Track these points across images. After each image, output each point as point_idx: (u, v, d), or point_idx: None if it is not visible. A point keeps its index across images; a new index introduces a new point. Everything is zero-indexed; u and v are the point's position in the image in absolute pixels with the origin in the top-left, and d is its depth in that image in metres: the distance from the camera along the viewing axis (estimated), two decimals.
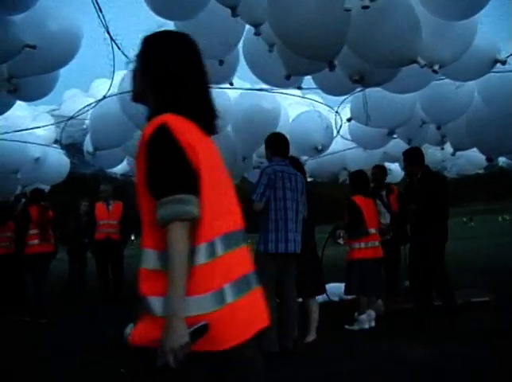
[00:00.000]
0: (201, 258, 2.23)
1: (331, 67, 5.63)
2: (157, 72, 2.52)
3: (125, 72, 8.15)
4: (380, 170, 10.00)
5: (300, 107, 10.21)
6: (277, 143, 6.96)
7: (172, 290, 2.16)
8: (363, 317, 8.05)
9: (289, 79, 6.36)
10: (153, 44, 2.58)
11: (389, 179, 10.83)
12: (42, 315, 9.82)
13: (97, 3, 6.01)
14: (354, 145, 10.81)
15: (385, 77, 6.30)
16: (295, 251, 6.64)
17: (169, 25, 6.37)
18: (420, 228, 7.87)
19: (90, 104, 9.02)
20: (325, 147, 9.46)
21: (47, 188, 12.45)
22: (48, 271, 10.59)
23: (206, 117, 2.56)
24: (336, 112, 9.65)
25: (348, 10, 4.85)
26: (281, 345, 6.53)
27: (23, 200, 11.32)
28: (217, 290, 2.23)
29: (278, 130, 8.83)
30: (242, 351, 2.38)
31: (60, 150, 11.34)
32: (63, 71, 7.21)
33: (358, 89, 7.54)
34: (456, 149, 10.08)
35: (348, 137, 10.36)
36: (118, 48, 6.89)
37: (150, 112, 2.51)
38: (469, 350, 6.38)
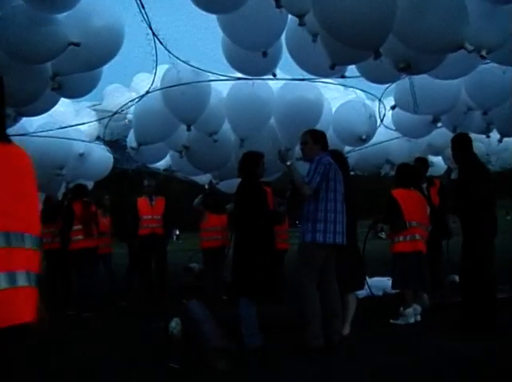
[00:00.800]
0: None
1: (377, 55, 5.56)
2: None
3: (167, 66, 8.22)
4: (421, 163, 9.90)
5: (343, 97, 10.13)
6: (323, 138, 6.94)
7: None
8: (409, 311, 7.95)
9: (334, 68, 6.32)
10: None
11: (431, 172, 10.70)
12: (86, 309, 9.94)
13: None
14: (397, 135, 10.68)
15: (432, 64, 6.23)
16: (342, 243, 6.61)
17: (213, 17, 6.39)
18: (464, 221, 7.72)
19: (133, 99, 9.05)
20: (369, 137, 9.36)
21: (90, 184, 12.55)
22: (95, 266, 10.69)
23: None
24: (380, 100, 9.53)
25: None
26: (326, 339, 6.51)
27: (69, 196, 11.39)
28: None
29: (321, 120, 8.80)
30: None
31: (103, 146, 11.39)
32: (105, 66, 7.24)
33: (403, 76, 7.44)
34: (503, 135, 9.91)
35: (392, 126, 10.24)
36: (161, 43, 6.89)
37: None
38: None
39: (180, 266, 13.63)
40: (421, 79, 7.47)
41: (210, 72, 8.17)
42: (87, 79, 7.15)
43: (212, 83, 8.52)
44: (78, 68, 6.53)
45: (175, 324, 7.48)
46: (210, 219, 10.77)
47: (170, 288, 11.60)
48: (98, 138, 11.34)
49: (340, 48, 5.84)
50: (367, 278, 8.85)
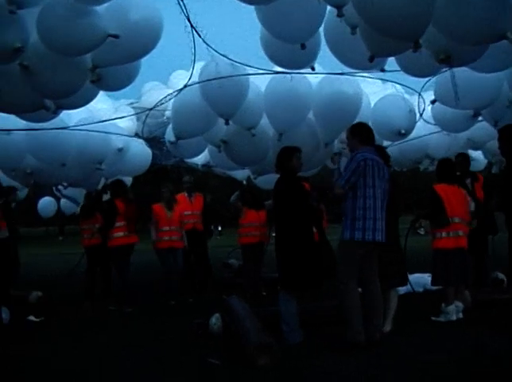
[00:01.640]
0: None
1: (417, 46, 5.48)
2: None
3: (204, 62, 8.23)
4: (463, 158, 9.79)
5: (382, 91, 10.04)
6: (365, 132, 6.89)
7: None
8: (450, 308, 7.84)
9: (373, 61, 6.25)
10: None
11: (472, 167, 10.55)
12: (128, 304, 10.00)
13: None
14: (436, 129, 10.56)
15: (473, 55, 6.12)
16: (381, 241, 6.54)
17: (251, 9, 6.37)
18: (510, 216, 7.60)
19: (171, 93, 9.06)
20: (408, 131, 9.26)
21: (129, 179, 12.62)
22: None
23: None
24: (419, 94, 9.41)
25: None
26: (366, 336, 6.46)
27: (108, 191, 11.45)
28: None
29: (360, 114, 8.72)
30: None
31: (142, 141, 11.44)
32: (142, 63, 7.29)
33: (443, 70, 7.34)
34: None
35: (431, 121, 10.12)
36: (199, 36, 6.88)
37: None
38: None
39: (219, 262, 13.68)
40: (462, 73, 7.34)
41: (248, 66, 8.15)
42: (126, 73, 7.17)
43: (250, 77, 8.49)
44: (117, 60, 6.55)
45: (215, 320, 7.52)
46: (248, 215, 10.78)
47: (210, 284, 11.66)
48: (136, 135, 11.40)
49: (379, 40, 5.80)
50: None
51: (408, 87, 9.61)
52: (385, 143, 9.80)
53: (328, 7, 6.24)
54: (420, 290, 9.76)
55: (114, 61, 6.56)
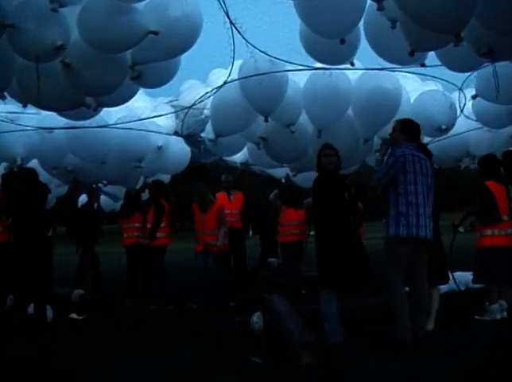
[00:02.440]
0: None
1: (458, 40, 5.42)
2: None
3: (243, 60, 8.22)
4: (510, 156, 9.63)
5: (421, 87, 9.94)
6: (415, 130, 6.83)
7: None
8: (495, 306, 7.72)
9: (413, 55, 6.21)
10: None
11: None
12: (169, 302, 10.06)
13: None
14: (477, 125, 10.42)
15: None
16: (426, 237, 6.45)
17: (290, 4, 6.35)
18: None
19: (211, 91, 9.08)
20: (449, 127, 9.16)
21: (167, 177, 12.66)
22: None
23: None
24: (460, 89, 9.30)
25: None
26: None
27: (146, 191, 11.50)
28: None
29: (400, 110, 8.65)
30: None
31: (181, 139, 11.48)
32: (183, 54, 7.27)
33: (485, 64, 7.24)
34: None
35: (472, 117, 10.00)
36: (238, 32, 6.87)
37: None
38: None
39: (258, 260, 13.67)
40: (504, 67, 7.23)
41: (287, 62, 8.12)
42: (166, 70, 7.20)
43: (289, 73, 8.46)
44: (157, 57, 6.58)
45: (257, 318, 7.51)
46: (287, 213, 10.74)
47: (249, 283, 11.66)
48: (175, 133, 11.44)
49: (420, 34, 5.75)
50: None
51: (449, 81, 9.49)
52: (426, 140, 9.70)
53: (368, 1, 6.22)
54: (463, 288, 9.64)
55: (153, 58, 6.59)
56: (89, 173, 10.38)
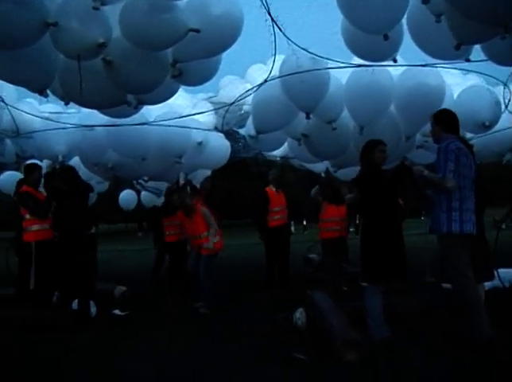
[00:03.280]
0: None
1: (507, 31, 5.31)
2: None
3: (283, 56, 8.18)
4: None
5: (464, 83, 9.80)
6: (450, 119, 6.73)
7: None
8: None
9: (459, 48, 6.10)
10: None
11: None
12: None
13: None
14: None
15: None
16: (472, 232, 6.40)
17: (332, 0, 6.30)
18: None
19: (252, 88, 9.05)
20: (493, 123, 9.02)
21: (208, 172, 12.68)
22: None
23: None
24: (505, 85, 9.15)
25: None
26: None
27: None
28: None
29: (443, 106, 8.53)
30: None
31: (221, 134, 11.49)
32: (225, 52, 7.26)
33: None
34: None
35: None
36: (280, 29, 6.83)
37: None
38: None
39: (299, 257, 13.67)
40: None
41: (329, 59, 8.05)
42: (206, 67, 7.19)
43: (331, 70, 8.40)
44: (198, 55, 6.57)
45: (299, 314, 7.53)
46: (328, 210, 10.72)
47: (291, 279, 11.66)
48: (215, 129, 11.45)
49: (466, 26, 5.67)
50: None
51: (493, 77, 9.34)
52: (468, 135, 9.57)
53: None
54: (507, 284, 9.52)
55: (194, 56, 6.58)
56: (129, 169, 10.43)
